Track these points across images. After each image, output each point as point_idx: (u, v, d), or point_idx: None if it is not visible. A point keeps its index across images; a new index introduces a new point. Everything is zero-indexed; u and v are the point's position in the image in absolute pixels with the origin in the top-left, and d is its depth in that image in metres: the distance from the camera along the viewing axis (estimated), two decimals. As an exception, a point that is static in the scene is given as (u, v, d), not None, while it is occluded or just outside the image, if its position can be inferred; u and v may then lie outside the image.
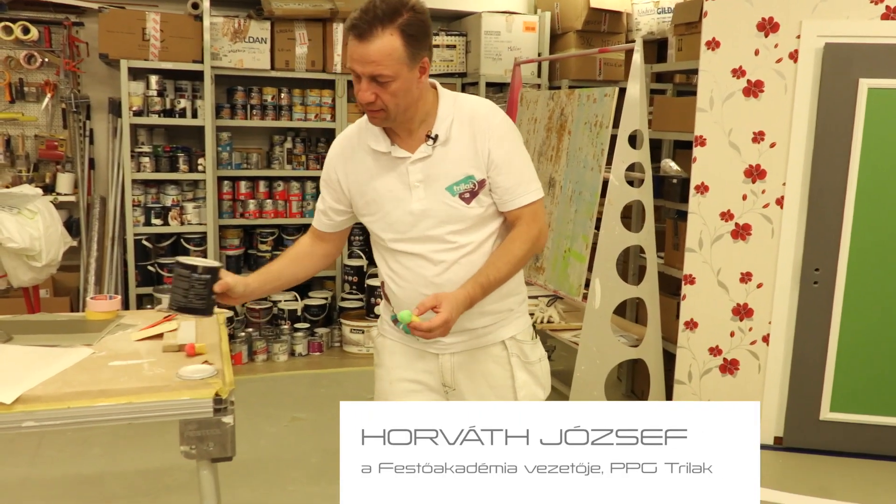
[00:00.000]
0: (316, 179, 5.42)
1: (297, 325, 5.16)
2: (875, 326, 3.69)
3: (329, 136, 5.48)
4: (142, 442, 3.66)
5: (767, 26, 3.54)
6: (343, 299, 5.44)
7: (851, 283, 3.66)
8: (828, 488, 3.46)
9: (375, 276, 5.23)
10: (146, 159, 4.86)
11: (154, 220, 4.92)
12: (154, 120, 4.85)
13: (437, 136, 1.85)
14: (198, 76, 4.87)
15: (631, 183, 3.69)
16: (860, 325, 3.69)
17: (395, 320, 1.79)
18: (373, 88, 1.74)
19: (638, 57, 3.59)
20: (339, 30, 5.17)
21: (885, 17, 3.47)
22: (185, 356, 2.00)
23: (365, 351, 5.13)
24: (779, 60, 3.58)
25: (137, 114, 4.79)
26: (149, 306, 4.78)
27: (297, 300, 5.24)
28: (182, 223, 4.96)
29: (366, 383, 4.62)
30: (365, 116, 1.89)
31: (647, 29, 5.35)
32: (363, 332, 5.12)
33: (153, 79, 4.82)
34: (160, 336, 2.18)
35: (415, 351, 2.03)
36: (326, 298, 5.36)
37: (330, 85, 5.33)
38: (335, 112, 5.33)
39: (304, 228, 5.44)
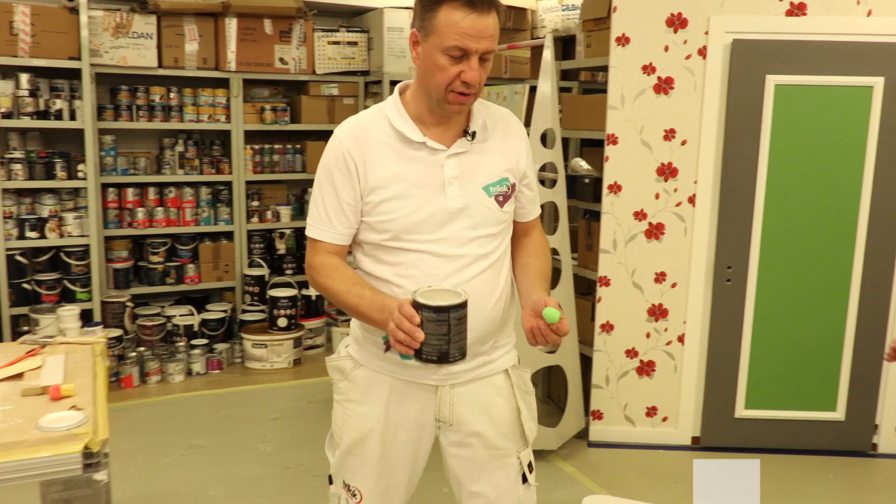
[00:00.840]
0: (213, 184, 5.07)
1: (194, 342, 4.80)
2: (786, 322, 3.70)
3: (224, 137, 5.14)
4: None
5: (676, 22, 3.49)
6: (244, 312, 5.11)
7: (763, 279, 3.66)
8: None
9: (279, 285, 4.94)
10: (18, 166, 4.41)
11: (29, 233, 4.46)
12: (26, 123, 4.40)
13: (475, 132, 1.73)
14: (76, 74, 4.44)
15: (543, 183, 3.57)
16: (772, 321, 3.70)
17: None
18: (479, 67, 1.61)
19: (549, 53, 3.47)
20: (232, 25, 4.85)
21: (789, 13, 3.47)
22: (48, 401, 1.70)
23: (269, 367, 4.83)
24: (688, 57, 3.53)
25: (6, 116, 4.33)
26: (25, 328, 4.34)
27: (193, 314, 4.88)
28: (61, 235, 4.52)
29: (271, 402, 4.36)
30: (381, 105, 1.75)
31: (553, 26, 5.27)
32: (266, 347, 4.81)
33: (24, 77, 4.36)
34: (20, 376, 1.86)
35: (407, 384, 1.79)
36: (226, 311, 5.02)
37: (224, 84, 5.00)
38: (230, 112, 5.00)
39: (199, 237, 5.09)
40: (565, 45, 5.28)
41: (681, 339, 3.76)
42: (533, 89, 3.59)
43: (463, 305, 1.50)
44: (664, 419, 3.85)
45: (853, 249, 3.62)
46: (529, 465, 1.89)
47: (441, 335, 1.49)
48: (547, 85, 3.45)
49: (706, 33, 3.48)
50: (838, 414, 3.76)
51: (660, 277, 3.72)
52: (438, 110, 1.70)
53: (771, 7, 3.47)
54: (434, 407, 1.79)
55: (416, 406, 1.79)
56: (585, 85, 5.20)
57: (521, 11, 5.27)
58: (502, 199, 1.76)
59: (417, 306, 1.50)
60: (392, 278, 1.71)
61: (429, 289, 1.57)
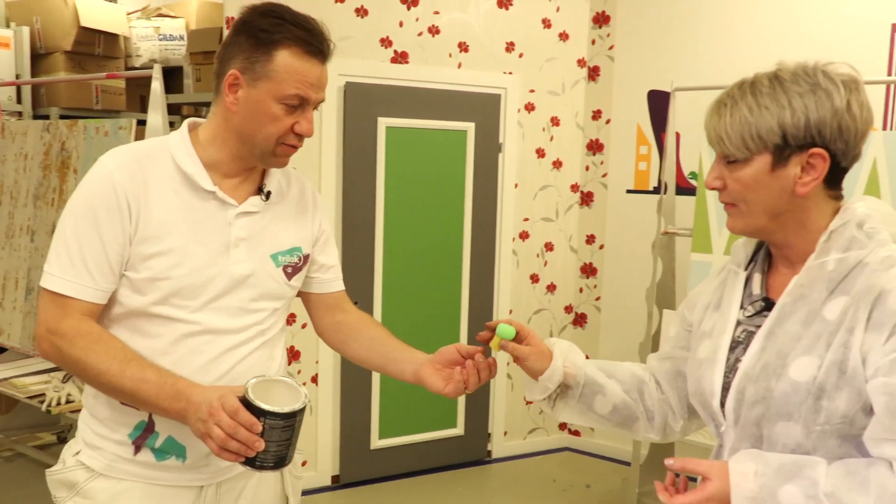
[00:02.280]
0: None
1: None
2: (410, 350, 3.90)
3: None
4: None
5: (291, 61, 3.46)
6: None
7: (387, 310, 3.81)
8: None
9: None
10: None
11: None
12: None
13: (269, 192, 1.49)
14: None
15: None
16: (397, 351, 3.86)
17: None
18: None
19: (157, 85, 3.17)
20: None
21: (394, 60, 3.69)
22: None
23: None
24: (304, 96, 3.53)
25: None
26: None
27: None
28: None
29: None
30: (161, 139, 1.45)
31: (149, 55, 4.87)
32: None
33: None
34: None
35: (165, 490, 1.43)
36: None
37: None
38: None
39: None
40: (167, 77, 4.92)
41: (314, 379, 3.72)
42: (140, 123, 3.24)
43: (305, 405, 1.27)
44: (303, 463, 3.75)
45: (461, 273, 3.98)
46: None
47: (283, 440, 1.25)
48: (158, 118, 3.14)
49: (321, 74, 3.52)
50: (458, 429, 4.08)
51: (290, 319, 3.63)
52: (258, 163, 1.44)
53: (378, 54, 3.65)
54: None
55: None
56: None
57: (112, 38, 4.76)
58: (291, 271, 1.52)
59: (255, 409, 1.21)
60: (150, 356, 1.36)
61: (258, 381, 1.26)
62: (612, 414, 1.38)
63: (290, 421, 1.24)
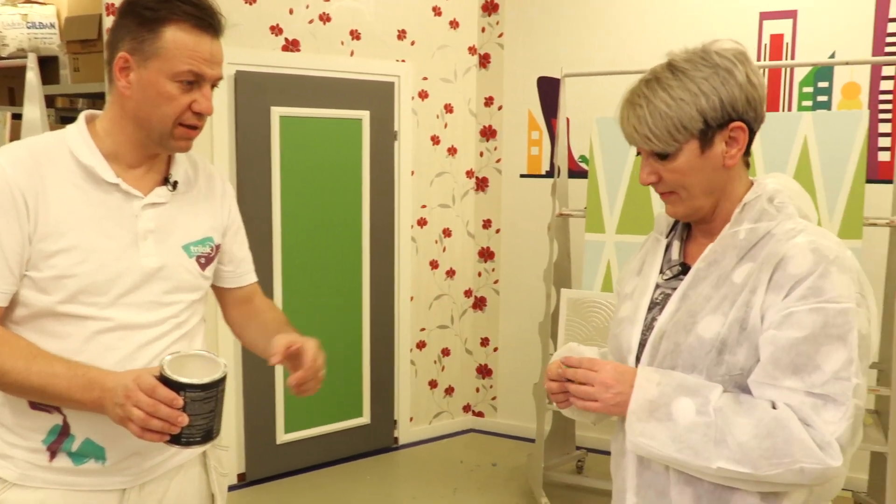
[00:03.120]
0: None
1: None
2: (313, 342, 3.86)
3: None
4: None
5: (177, 49, 3.34)
6: None
7: (287, 301, 3.75)
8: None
9: None
10: None
11: None
12: None
13: (176, 181, 1.45)
14: None
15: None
16: (300, 343, 3.82)
17: None
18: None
19: (33, 76, 3.01)
20: None
21: (285, 48, 3.63)
22: None
23: None
24: (193, 86, 3.41)
25: None
26: None
27: None
28: None
29: None
30: (57, 133, 1.38)
31: (16, 45, 4.57)
32: None
33: None
34: None
35: (85, 495, 1.36)
36: None
37: None
38: None
39: None
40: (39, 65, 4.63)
41: (215, 376, 3.62)
42: (15, 116, 3.05)
43: (225, 374, 1.25)
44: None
45: (361, 262, 3.98)
46: None
47: (207, 413, 1.22)
48: (35, 111, 2.97)
49: (209, 62, 3.41)
50: (365, 418, 4.08)
51: (187, 316, 3.52)
52: (159, 148, 1.38)
53: (268, 42, 3.58)
54: None
55: None
56: (63, 112, 4.65)
57: (-27, 26, 4.44)
58: (204, 262, 1.47)
59: (173, 384, 1.18)
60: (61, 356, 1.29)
61: (174, 358, 1.23)
62: None
63: (211, 392, 1.23)
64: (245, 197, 3.57)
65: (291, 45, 3.65)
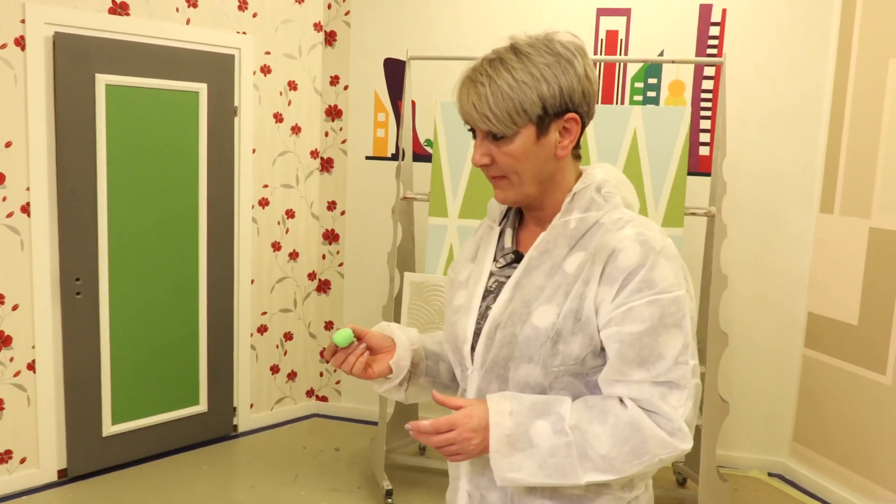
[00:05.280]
0: None
1: None
2: (144, 327, 3.64)
3: None
4: None
5: (-16, 5, 3.00)
6: None
7: (115, 287, 3.51)
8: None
9: None
10: None
11: None
12: None
13: None
14: None
15: None
16: (129, 328, 3.59)
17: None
18: None
19: None
20: None
21: (112, 10, 3.35)
22: None
23: None
24: (3, 46, 3.08)
25: None
26: None
27: None
28: None
29: None
30: None
31: None
32: None
33: None
34: None
35: None
36: None
37: None
38: None
39: None
40: None
41: (31, 366, 3.33)
42: None
43: None
44: (22, 461, 3.36)
45: (197, 244, 3.78)
46: None
47: None
48: None
49: (23, 22, 3.09)
50: (201, 406, 3.91)
51: (-3, 301, 3.21)
52: None
53: (93, 3, 3.29)
54: None
55: None
56: None
57: None
58: None
59: None
60: None
61: None
62: (454, 380, 1.40)
63: None
64: (66, 173, 3.29)
65: (120, 8, 3.38)
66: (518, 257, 1.27)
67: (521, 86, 1.14)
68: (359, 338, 1.33)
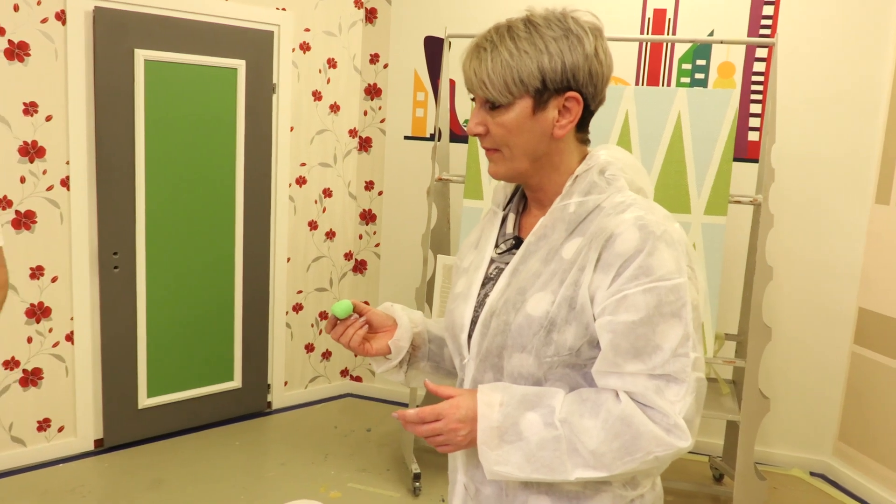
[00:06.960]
0: None
1: None
2: (180, 302, 3.67)
3: None
4: None
5: (26, -21, 3.03)
6: None
7: (152, 261, 3.54)
8: (162, 477, 3.33)
9: None
10: None
11: None
12: None
13: None
14: None
15: None
16: (166, 303, 3.62)
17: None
18: None
19: None
20: None
21: (152, -14, 3.35)
22: None
23: None
24: (44, 20, 3.11)
25: None
26: None
27: None
28: None
29: None
30: None
31: None
32: None
33: None
34: None
35: None
36: None
37: None
38: None
39: None
40: None
41: (69, 337, 3.39)
42: None
43: None
44: (60, 429, 3.43)
45: (234, 222, 3.79)
46: None
47: None
48: None
49: (64, -4, 3.12)
50: (236, 382, 3.94)
51: (36, 273, 3.26)
52: None
53: (133, -23, 3.30)
54: None
55: None
56: None
57: None
58: None
59: None
60: None
61: None
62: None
63: None
64: (104, 147, 3.31)
65: (160, -16, 3.38)
66: (518, 243, 1.22)
67: (522, 55, 1.09)
68: (360, 314, 1.32)
